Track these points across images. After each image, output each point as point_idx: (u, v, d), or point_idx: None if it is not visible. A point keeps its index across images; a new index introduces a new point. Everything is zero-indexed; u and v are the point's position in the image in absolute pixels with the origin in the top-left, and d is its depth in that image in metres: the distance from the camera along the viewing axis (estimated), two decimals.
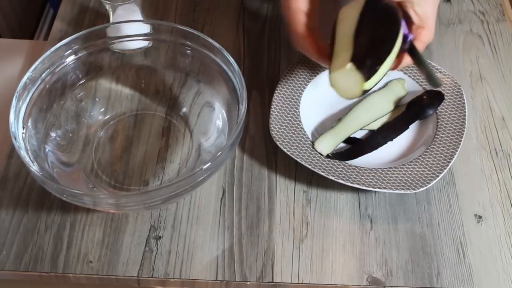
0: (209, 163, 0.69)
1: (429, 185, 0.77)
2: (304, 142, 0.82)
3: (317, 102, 0.88)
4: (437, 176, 0.78)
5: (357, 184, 0.77)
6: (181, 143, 0.85)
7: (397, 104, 0.88)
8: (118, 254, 0.75)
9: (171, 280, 0.74)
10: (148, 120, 0.87)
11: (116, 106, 0.87)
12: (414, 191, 0.77)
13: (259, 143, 0.86)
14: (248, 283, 0.74)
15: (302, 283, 0.74)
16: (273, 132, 0.82)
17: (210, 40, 0.79)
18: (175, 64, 0.86)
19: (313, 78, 0.89)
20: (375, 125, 0.86)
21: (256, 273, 0.74)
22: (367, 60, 0.68)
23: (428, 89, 0.88)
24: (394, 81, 0.89)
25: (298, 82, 0.88)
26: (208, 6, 1.03)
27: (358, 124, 0.85)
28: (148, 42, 0.85)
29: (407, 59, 0.73)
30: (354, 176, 0.78)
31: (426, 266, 0.75)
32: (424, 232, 0.78)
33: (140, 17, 0.95)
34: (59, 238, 0.76)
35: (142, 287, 0.76)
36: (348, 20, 0.72)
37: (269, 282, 0.74)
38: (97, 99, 0.87)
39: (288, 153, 0.80)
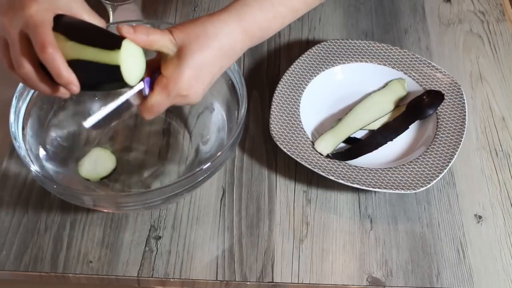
0: (209, 163, 0.69)
1: (429, 185, 0.77)
2: (304, 142, 0.82)
3: (317, 102, 0.88)
4: (437, 176, 0.78)
5: (357, 184, 0.77)
6: (181, 143, 0.85)
7: (397, 104, 0.88)
8: (118, 254, 0.75)
9: (171, 280, 0.74)
10: (148, 121, 0.86)
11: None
12: (414, 191, 0.77)
13: (259, 143, 0.86)
14: (248, 283, 0.74)
15: (302, 283, 0.74)
16: (273, 132, 0.82)
17: None
18: None
19: (313, 78, 0.89)
20: (375, 125, 0.86)
21: (256, 273, 0.74)
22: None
23: (428, 89, 0.88)
24: (394, 81, 0.89)
25: (298, 82, 0.88)
26: (208, 6, 1.03)
27: (358, 124, 0.85)
28: None
29: None
30: (354, 176, 0.78)
31: (426, 266, 0.75)
32: (424, 232, 0.78)
33: (140, 17, 0.95)
34: (59, 238, 0.76)
35: (142, 287, 0.76)
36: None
37: (269, 282, 0.74)
38: (96, 99, 0.86)
39: (288, 153, 0.80)
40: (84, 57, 0.60)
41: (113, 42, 0.60)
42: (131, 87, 0.63)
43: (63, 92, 0.61)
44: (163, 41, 0.62)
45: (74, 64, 0.59)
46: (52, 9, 0.60)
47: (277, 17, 0.69)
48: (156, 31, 0.62)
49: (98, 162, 0.80)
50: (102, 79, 0.62)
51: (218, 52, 0.64)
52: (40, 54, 0.57)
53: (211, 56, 0.64)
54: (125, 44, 0.60)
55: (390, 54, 0.91)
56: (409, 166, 0.80)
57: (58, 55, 0.57)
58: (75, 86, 0.59)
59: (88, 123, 0.65)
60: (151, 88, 0.64)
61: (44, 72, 0.60)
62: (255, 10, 0.67)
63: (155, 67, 0.65)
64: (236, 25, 0.65)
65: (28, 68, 0.58)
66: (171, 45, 0.63)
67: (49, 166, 0.77)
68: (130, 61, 0.61)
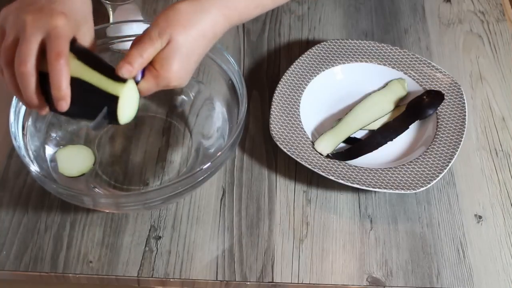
0: (209, 163, 0.69)
1: (429, 185, 0.77)
2: (304, 142, 0.82)
3: (317, 102, 0.88)
4: (437, 176, 0.78)
5: (357, 184, 0.77)
6: (181, 143, 0.85)
7: (397, 104, 0.88)
8: (118, 254, 0.75)
9: (171, 280, 0.74)
10: (148, 120, 0.87)
11: None
12: (414, 191, 0.77)
13: (259, 143, 0.86)
14: (248, 283, 0.74)
15: (302, 283, 0.74)
16: (273, 132, 0.82)
17: None
18: None
19: (313, 78, 0.89)
20: (375, 125, 0.86)
21: (256, 273, 0.74)
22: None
23: (428, 89, 0.88)
24: (394, 81, 0.89)
25: (298, 82, 0.88)
26: None
27: (358, 124, 0.85)
28: None
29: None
30: (354, 176, 0.78)
31: (426, 266, 0.75)
32: (424, 232, 0.78)
33: (140, 17, 0.95)
34: (59, 238, 0.76)
35: (142, 287, 0.76)
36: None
37: (269, 282, 0.74)
38: None
39: (288, 153, 0.80)
40: (86, 78, 0.62)
41: (119, 76, 0.63)
42: (117, 123, 0.65)
43: (43, 108, 0.62)
44: (156, 50, 0.64)
45: (73, 82, 0.60)
46: (75, 29, 0.62)
47: (258, 6, 0.71)
48: (146, 45, 0.64)
49: (75, 157, 0.80)
50: (96, 106, 0.63)
51: (202, 38, 0.66)
52: (53, 61, 0.58)
53: (196, 45, 0.66)
54: (130, 82, 0.63)
55: (390, 54, 0.91)
56: (409, 166, 0.80)
57: (67, 68, 0.59)
58: (66, 104, 0.60)
59: (92, 125, 0.66)
60: (143, 74, 0.66)
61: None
62: None
63: None
64: (218, 11, 0.67)
65: (30, 68, 0.59)
66: (162, 46, 0.65)
67: (49, 165, 0.77)
68: (127, 101, 0.64)
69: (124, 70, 0.63)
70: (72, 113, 0.63)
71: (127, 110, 0.65)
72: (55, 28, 0.59)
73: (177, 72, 0.65)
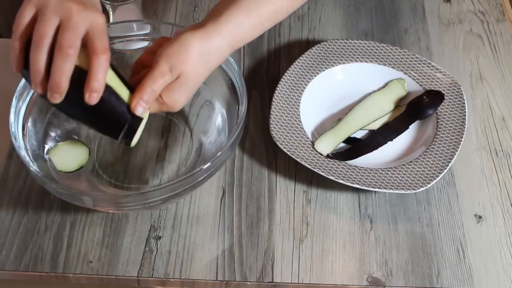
0: (209, 163, 0.69)
1: (429, 185, 0.77)
2: (304, 142, 0.82)
3: (317, 102, 0.88)
4: (437, 176, 0.78)
5: (357, 184, 0.77)
6: (180, 143, 0.85)
7: (397, 104, 0.88)
8: (118, 254, 0.75)
9: (171, 280, 0.74)
10: (148, 120, 0.86)
11: None
12: (414, 191, 0.77)
13: (259, 143, 0.86)
14: (248, 283, 0.74)
15: (302, 283, 0.74)
16: (273, 132, 0.82)
17: None
18: None
19: (313, 78, 0.89)
20: (375, 125, 0.86)
21: (256, 273, 0.74)
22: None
23: (428, 89, 0.88)
24: (394, 81, 0.89)
25: (298, 82, 0.88)
26: (208, 6, 1.03)
27: (358, 124, 0.85)
28: (148, 42, 0.85)
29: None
30: (354, 176, 0.78)
31: (426, 266, 0.75)
32: (424, 232, 0.78)
33: (140, 17, 0.95)
34: (59, 238, 0.76)
35: (142, 287, 0.76)
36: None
37: (269, 282, 0.74)
38: None
39: (288, 153, 0.80)
40: (117, 90, 0.64)
41: None
42: (128, 144, 0.68)
43: (63, 95, 0.61)
44: (166, 83, 0.67)
45: (106, 88, 0.62)
46: None
47: (261, 31, 0.74)
48: (157, 79, 0.66)
49: (69, 152, 0.80)
50: (118, 118, 0.65)
51: (208, 71, 0.70)
52: (100, 54, 0.60)
53: (202, 77, 0.69)
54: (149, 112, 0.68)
55: (390, 54, 0.91)
56: (409, 166, 0.80)
57: (108, 64, 0.61)
58: (97, 97, 0.61)
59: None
60: None
61: None
62: (246, 29, 0.71)
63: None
64: (227, 45, 0.70)
65: (75, 52, 0.59)
66: (171, 80, 0.67)
67: (49, 165, 0.77)
68: (143, 125, 0.68)
69: (140, 109, 0.66)
70: (95, 115, 0.64)
71: (138, 134, 0.68)
72: (100, 24, 0.61)
73: (182, 102, 0.69)
